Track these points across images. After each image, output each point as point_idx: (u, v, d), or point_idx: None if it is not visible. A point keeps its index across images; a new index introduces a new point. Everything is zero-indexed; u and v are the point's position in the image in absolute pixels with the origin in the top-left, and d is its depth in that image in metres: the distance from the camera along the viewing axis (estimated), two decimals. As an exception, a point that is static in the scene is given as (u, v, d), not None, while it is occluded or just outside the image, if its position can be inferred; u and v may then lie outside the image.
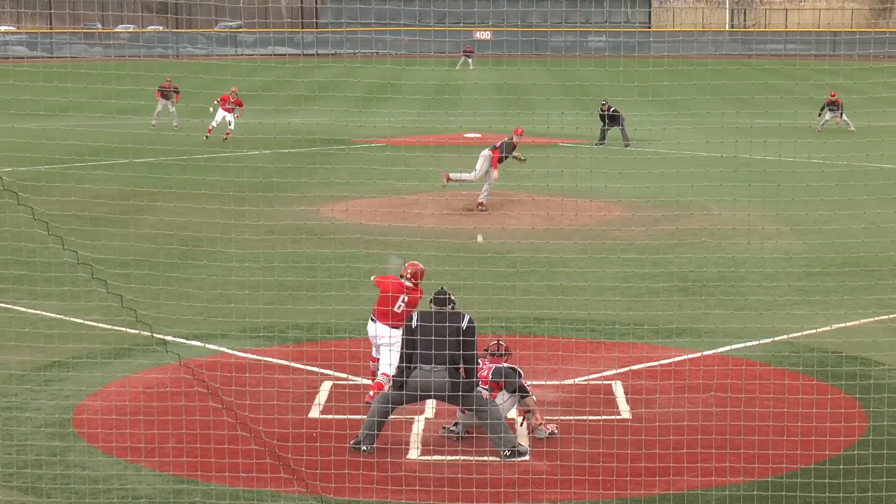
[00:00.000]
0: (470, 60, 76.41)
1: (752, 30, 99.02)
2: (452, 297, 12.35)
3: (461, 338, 11.97)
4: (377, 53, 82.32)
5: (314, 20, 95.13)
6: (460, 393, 11.98)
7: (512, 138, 26.69)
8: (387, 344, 13.55)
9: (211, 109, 39.86)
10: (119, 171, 31.33)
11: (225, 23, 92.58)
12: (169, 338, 15.73)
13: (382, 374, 13.60)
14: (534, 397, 12.88)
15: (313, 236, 22.56)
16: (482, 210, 25.87)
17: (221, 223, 21.68)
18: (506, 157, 26.44)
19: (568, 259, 20.80)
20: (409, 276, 13.83)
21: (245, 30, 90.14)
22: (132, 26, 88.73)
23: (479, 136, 38.46)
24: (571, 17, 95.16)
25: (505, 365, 12.79)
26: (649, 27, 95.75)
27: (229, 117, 39.66)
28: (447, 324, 11.94)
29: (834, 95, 44.38)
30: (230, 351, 15.69)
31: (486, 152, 26.48)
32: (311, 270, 19.39)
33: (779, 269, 20.24)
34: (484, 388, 12.52)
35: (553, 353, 15.05)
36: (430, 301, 12.45)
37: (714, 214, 24.52)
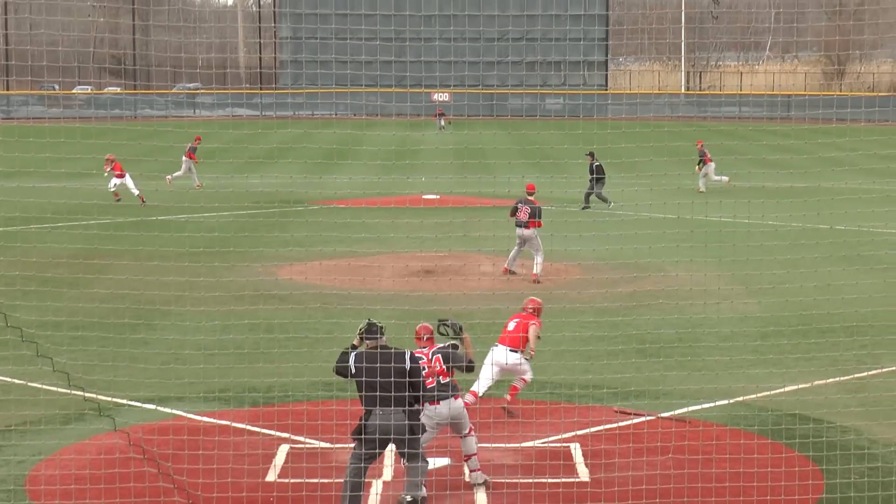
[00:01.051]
0: (443, 121, 76.85)
1: (707, 92, 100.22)
2: (381, 327, 12.26)
3: (410, 378, 11.96)
4: (336, 115, 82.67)
5: (273, 83, 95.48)
6: (417, 435, 11.97)
7: (529, 199, 26.48)
8: (499, 363, 15.35)
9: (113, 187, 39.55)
10: (78, 232, 31.19)
11: (183, 85, 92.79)
12: (124, 401, 15.64)
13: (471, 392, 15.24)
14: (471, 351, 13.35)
15: (271, 298, 22.50)
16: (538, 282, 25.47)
17: (178, 285, 21.60)
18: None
19: (526, 321, 20.80)
20: (531, 309, 15.80)
21: (203, 90, 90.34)
22: (89, 88, 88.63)
23: (438, 197, 38.63)
24: (529, 79, 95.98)
25: (444, 346, 13.11)
26: (606, 90, 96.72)
27: (126, 182, 39.17)
28: (392, 364, 11.88)
29: (700, 145, 44.17)
30: (186, 414, 15.57)
31: (529, 232, 26.07)
32: (268, 332, 19.32)
33: (735, 331, 20.37)
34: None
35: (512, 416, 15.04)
36: (362, 335, 12.25)
37: (671, 276, 24.68)
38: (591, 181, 39.16)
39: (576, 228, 26.51)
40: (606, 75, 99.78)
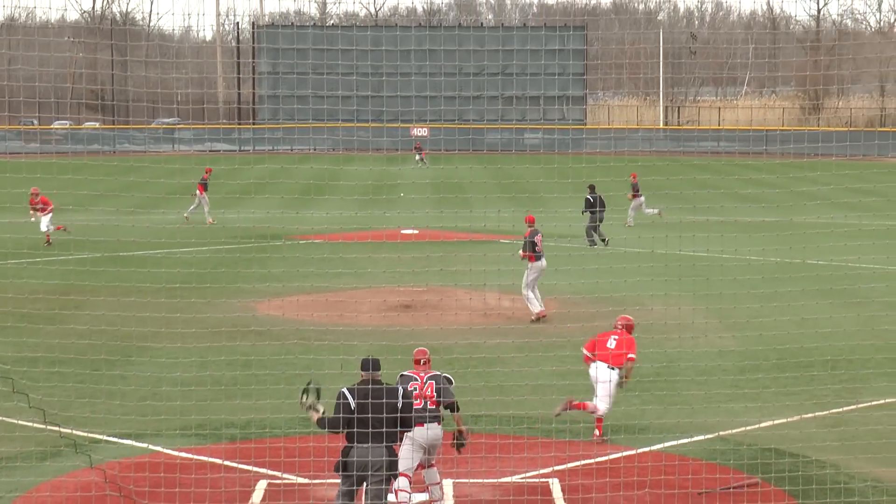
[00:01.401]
0: (418, 157, 76.55)
1: (684, 127, 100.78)
2: (378, 362, 12.29)
3: (401, 415, 11.97)
4: (314, 150, 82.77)
5: (251, 118, 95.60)
6: (395, 471, 12.00)
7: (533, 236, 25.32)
8: (605, 381, 16.22)
9: (33, 219, 38.60)
10: (55, 267, 31.14)
11: (161, 120, 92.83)
12: (101, 437, 15.61)
13: (593, 406, 16.19)
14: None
15: (249, 333, 22.50)
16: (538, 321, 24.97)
17: (155, 320, 21.58)
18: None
19: (505, 356, 20.89)
20: (620, 326, 16.70)
21: (182, 125, 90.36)
22: (68, 122, 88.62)
23: (416, 232, 38.68)
24: (507, 114, 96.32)
25: (440, 374, 13.45)
26: (584, 124, 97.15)
27: (44, 221, 37.65)
28: (385, 400, 11.87)
29: (634, 177, 43.74)
30: (163, 450, 15.55)
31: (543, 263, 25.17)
32: (246, 367, 19.33)
33: (712, 365, 20.46)
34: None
35: (490, 451, 15.07)
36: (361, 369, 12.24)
37: (647, 310, 24.76)
38: (590, 213, 38.25)
39: (552, 262, 26.62)
40: (585, 110, 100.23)
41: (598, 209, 38.07)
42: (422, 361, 13.55)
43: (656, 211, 43.08)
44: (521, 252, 25.48)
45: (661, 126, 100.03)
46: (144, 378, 19.06)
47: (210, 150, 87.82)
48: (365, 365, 12.10)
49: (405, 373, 13.43)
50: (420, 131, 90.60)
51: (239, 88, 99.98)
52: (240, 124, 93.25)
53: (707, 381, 19.36)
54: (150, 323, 21.57)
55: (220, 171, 54.53)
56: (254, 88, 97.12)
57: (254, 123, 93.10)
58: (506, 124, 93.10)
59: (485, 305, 26.13)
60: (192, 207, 44.57)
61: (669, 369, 20.11)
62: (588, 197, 38.72)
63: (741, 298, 23.10)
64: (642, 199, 43.58)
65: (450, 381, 13.50)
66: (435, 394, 13.23)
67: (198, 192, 44.59)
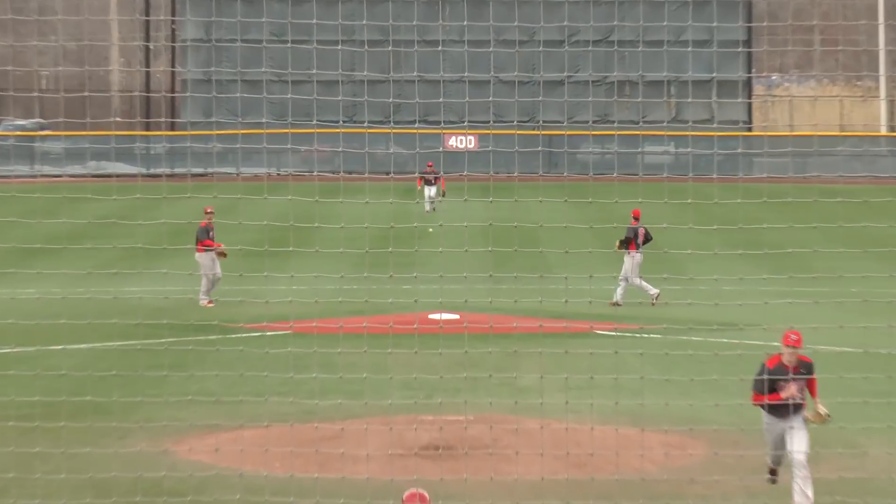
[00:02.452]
0: (432, 192, 75.99)
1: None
2: None
3: None
4: (277, 173, 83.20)
5: (167, 117, 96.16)
6: None
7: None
8: None
9: None
10: None
11: (12, 121, 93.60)
12: None
13: None
14: None
15: (160, 491, 22.58)
16: None
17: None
18: None
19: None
20: None
21: (48, 132, 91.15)
22: None
23: (457, 317, 38.68)
24: (610, 112, 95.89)
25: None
26: (749, 130, 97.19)
27: None
28: None
29: (637, 215, 45.73)
30: None
31: None
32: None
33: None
34: None
35: None
36: None
37: (861, 454, 24.64)
38: None
39: (689, 367, 26.58)
40: (749, 105, 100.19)
41: None
42: None
43: (655, 293, 43.82)
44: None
45: (883, 132, 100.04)
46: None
47: (94, 175, 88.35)
48: None
49: None
50: (461, 141, 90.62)
51: (147, 67, 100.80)
52: (148, 129, 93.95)
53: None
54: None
55: (113, 208, 54.81)
56: (172, 66, 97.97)
57: (172, 128, 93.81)
58: (607, 130, 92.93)
59: (569, 443, 26.11)
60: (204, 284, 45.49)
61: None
62: None
63: None
64: (639, 257, 44.93)
65: None
66: None
67: (199, 252, 45.10)
